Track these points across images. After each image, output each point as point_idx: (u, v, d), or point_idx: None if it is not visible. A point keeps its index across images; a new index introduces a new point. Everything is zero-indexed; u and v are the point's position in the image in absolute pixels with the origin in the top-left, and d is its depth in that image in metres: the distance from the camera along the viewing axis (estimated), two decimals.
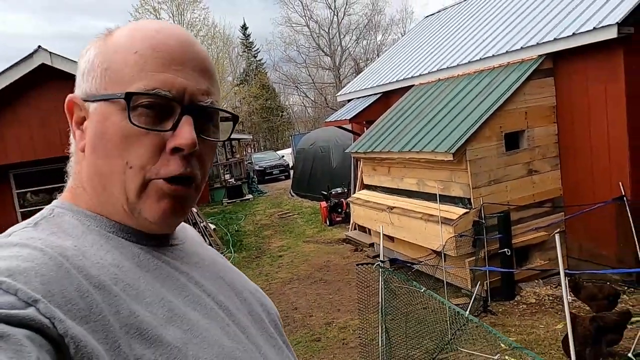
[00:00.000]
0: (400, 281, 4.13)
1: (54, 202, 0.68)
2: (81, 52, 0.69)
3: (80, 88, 0.67)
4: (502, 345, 4.27)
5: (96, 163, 0.64)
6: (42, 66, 7.61)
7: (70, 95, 0.67)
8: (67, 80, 7.48)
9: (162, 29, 0.66)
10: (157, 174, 0.63)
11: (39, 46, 7.66)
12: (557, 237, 2.49)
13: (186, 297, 0.64)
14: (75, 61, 7.61)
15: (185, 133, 0.62)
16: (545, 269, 5.84)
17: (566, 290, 2.41)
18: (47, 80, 7.67)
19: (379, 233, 4.82)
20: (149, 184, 0.63)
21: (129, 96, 0.60)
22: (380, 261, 3.89)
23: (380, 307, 3.82)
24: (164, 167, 0.63)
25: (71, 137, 0.70)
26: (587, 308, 4.36)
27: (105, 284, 0.55)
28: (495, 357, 3.00)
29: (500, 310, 5.37)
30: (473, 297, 3.59)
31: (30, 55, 7.59)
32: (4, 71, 7.41)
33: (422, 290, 3.29)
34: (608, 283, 5.07)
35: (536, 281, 5.86)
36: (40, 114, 7.69)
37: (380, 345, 3.89)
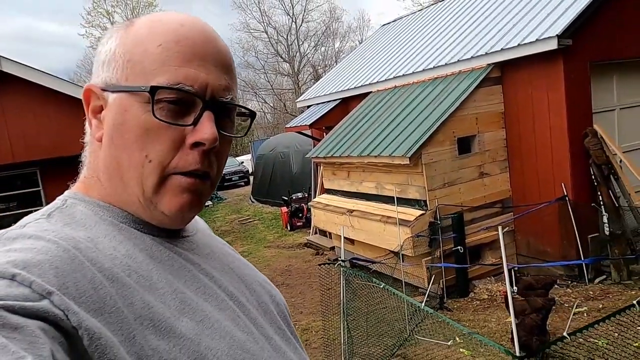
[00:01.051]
0: (360, 278, 4.27)
1: (66, 193, 0.68)
2: (101, 40, 0.68)
3: (99, 77, 0.66)
4: (457, 338, 4.49)
5: (114, 154, 0.64)
6: None
7: (88, 84, 0.67)
8: (18, 84, 7.22)
9: (185, 21, 0.65)
10: (175, 168, 0.63)
11: None
12: (499, 231, 2.70)
13: (198, 289, 0.64)
14: (28, 66, 7.38)
15: (207, 128, 0.63)
16: (497, 264, 6.15)
17: (509, 282, 2.62)
18: None
19: (337, 235, 4.97)
20: (167, 179, 0.64)
21: (153, 90, 0.60)
22: (341, 261, 4.02)
23: (341, 305, 3.95)
24: (182, 162, 0.63)
25: (86, 126, 0.69)
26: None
27: (119, 276, 0.55)
28: (449, 343, 3.18)
29: (456, 306, 5.62)
30: (427, 291, 3.77)
31: None
32: None
33: (382, 286, 3.45)
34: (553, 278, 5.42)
35: (488, 278, 6.16)
36: None
37: (342, 344, 4.01)
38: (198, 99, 0.63)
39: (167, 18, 0.66)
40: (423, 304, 3.01)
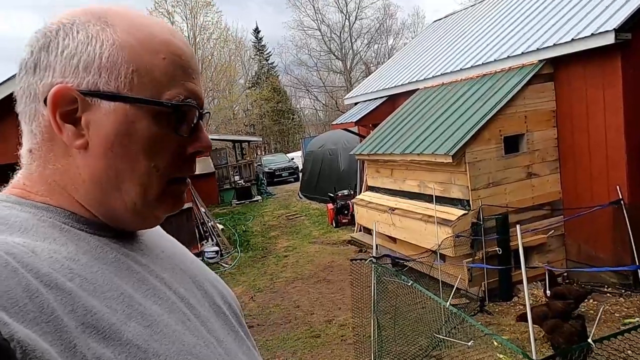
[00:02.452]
0: (390, 275, 4.25)
1: None
2: (69, 34, 0.62)
3: (79, 79, 0.61)
4: (495, 342, 4.37)
5: (111, 163, 0.62)
6: None
7: (64, 86, 0.60)
8: None
9: (171, 31, 0.67)
10: (174, 174, 0.67)
11: None
12: (518, 228, 2.61)
13: (146, 291, 0.62)
14: None
15: (205, 138, 0.68)
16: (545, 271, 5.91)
17: (526, 283, 2.54)
18: None
19: (379, 233, 4.96)
20: (168, 186, 0.66)
21: (178, 108, 0.64)
22: (373, 257, 4.02)
23: (372, 302, 3.94)
24: (183, 169, 0.67)
25: (33, 131, 0.64)
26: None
27: (58, 282, 0.52)
28: (469, 343, 3.11)
29: (497, 310, 5.46)
30: (453, 290, 3.69)
31: None
32: (10, 78, 7.64)
33: (410, 284, 3.42)
34: (599, 285, 5.15)
35: (534, 283, 5.92)
36: None
37: (372, 341, 4.01)
38: (196, 110, 0.67)
39: (151, 23, 0.66)
40: (448, 303, 2.95)
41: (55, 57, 0.61)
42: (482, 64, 6.97)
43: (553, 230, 5.99)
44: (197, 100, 0.67)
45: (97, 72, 0.61)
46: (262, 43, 42.44)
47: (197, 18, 28.89)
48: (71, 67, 0.61)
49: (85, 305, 0.52)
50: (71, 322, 0.50)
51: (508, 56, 6.48)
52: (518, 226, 2.74)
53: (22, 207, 0.61)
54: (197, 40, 28.96)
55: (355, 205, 8.57)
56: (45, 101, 0.61)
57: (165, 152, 0.64)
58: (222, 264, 9.35)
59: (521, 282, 5.87)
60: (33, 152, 0.65)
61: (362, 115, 9.86)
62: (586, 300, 5.13)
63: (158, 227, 0.81)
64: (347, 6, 34.91)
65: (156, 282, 0.65)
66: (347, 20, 35.24)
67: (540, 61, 6.00)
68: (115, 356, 0.51)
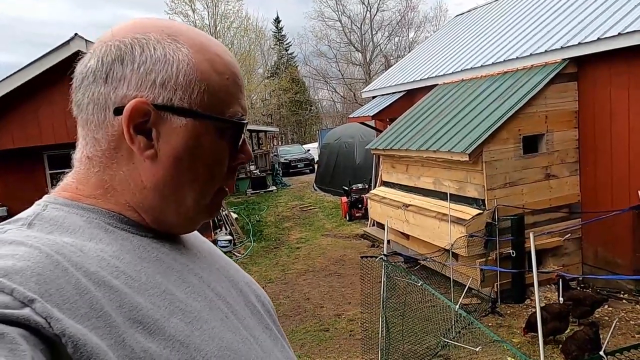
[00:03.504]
0: (400, 274, 4.21)
1: (45, 198, 0.66)
2: (141, 48, 0.63)
3: (154, 94, 0.63)
4: (505, 346, 4.31)
5: (174, 174, 0.65)
6: (78, 53, 7.90)
7: (142, 100, 0.62)
8: None
9: (227, 51, 0.71)
10: (221, 185, 0.71)
11: (76, 34, 7.95)
12: (531, 236, 2.54)
13: (187, 289, 0.64)
14: None
15: (248, 150, 0.73)
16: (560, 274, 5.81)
17: (537, 286, 2.49)
18: None
19: (392, 229, 4.92)
20: (216, 194, 0.71)
21: (237, 124, 0.68)
22: (384, 255, 3.98)
23: (381, 300, 3.92)
24: (229, 179, 0.72)
25: (93, 140, 0.66)
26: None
27: (106, 279, 0.55)
28: (477, 349, 3.07)
29: (509, 312, 5.39)
30: (466, 288, 3.64)
31: (67, 43, 7.89)
32: (41, 57, 7.73)
33: (420, 284, 3.38)
34: (615, 291, 5.03)
35: (548, 286, 5.83)
36: None
37: (380, 338, 3.99)
38: (245, 125, 0.72)
39: (213, 43, 0.69)
40: (458, 306, 2.91)
41: (130, 71, 0.63)
42: (504, 61, 6.83)
43: (570, 234, 5.87)
44: (245, 114, 0.71)
45: (173, 89, 0.64)
46: (282, 33, 42.36)
47: (218, 6, 28.88)
48: (148, 82, 0.63)
49: (131, 302, 0.55)
50: (119, 318, 0.53)
51: (531, 54, 6.34)
52: (532, 234, 2.67)
53: (69, 209, 0.63)
54: (218, 28, 28.97)
55: (369, 200, 8.53)
56: (116, 111, 0.63)
57: (222, 164, 0.69)
58: (235, 253, 9.41)
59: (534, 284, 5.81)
60: (93, 158, 0.66)
61: (380, 109, 9.78)
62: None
63: None
64: None
65: (195, 280, 0.68)
66: (368, 12, 34.88)
67: (563, 60, 5.86)
68: (160, 350, 0.54)
